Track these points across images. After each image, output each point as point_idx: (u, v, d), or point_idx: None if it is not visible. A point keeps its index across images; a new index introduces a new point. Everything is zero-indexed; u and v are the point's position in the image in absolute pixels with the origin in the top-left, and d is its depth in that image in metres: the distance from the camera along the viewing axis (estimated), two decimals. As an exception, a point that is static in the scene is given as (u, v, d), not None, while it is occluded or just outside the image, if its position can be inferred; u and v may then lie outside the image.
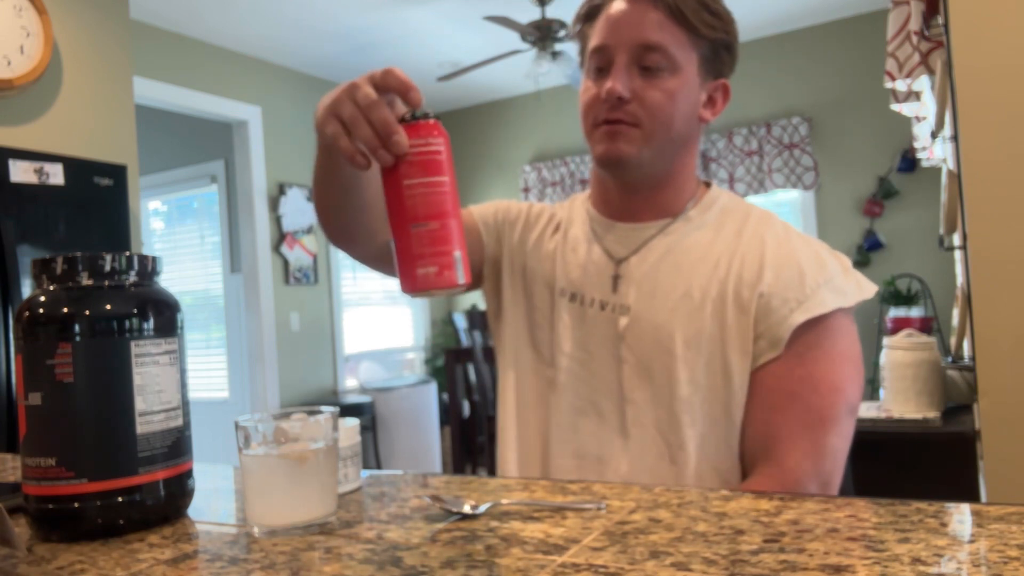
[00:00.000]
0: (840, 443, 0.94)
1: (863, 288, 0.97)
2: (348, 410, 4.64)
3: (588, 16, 1.03)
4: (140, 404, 0.70)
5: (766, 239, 0.99)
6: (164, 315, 0.73)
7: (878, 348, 3.90)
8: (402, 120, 0.73)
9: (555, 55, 4.01)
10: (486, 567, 0.54)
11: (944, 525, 0.57)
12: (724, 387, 0.95)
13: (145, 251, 4.25)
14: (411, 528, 0.65)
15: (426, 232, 0.72)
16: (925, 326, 2.85)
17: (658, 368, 0.96)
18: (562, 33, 3.96)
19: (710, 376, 0.95)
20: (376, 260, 1.05)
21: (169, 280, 5.17)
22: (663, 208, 1.03)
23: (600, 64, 0.99)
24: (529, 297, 1.09)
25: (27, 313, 0.69)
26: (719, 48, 1.00)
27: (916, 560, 0.49)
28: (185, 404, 0.75)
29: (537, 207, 1.16)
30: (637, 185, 1.03)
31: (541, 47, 4.00)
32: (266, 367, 4.48)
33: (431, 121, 0.73)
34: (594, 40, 1.00)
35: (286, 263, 4.66)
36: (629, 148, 0.97)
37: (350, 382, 5.10)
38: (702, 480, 0.95)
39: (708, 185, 1.08)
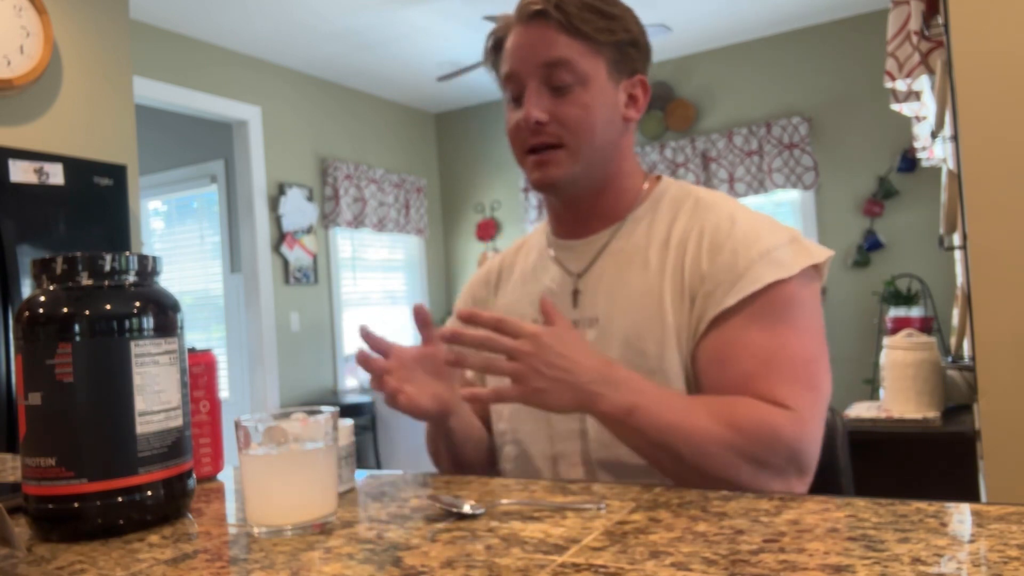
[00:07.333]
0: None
1: (812, 254, 0.93)
2: (348, 410, 4.64)
3: (496, 47, 1.05)
4: (140, 404, 0.70)
5: (706, 224, 0.97)
6: (164, 315, 0.73)
7: (878, 348, 3.90)
8: None
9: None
10: (486, 567, 0.54)
11: (944, 525, 0.57)
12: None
13: (145, 251, 4.24)
14: (411, 528, 0.65)
15: None
16: (925, 326, 2.85)
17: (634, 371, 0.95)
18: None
19: (684, 368, 0.94)
20: None
21: (169, 280, 5.17)
22: (610, 214, 1.04)
23: (514, 92, 1.01)
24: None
25: (27, 313, 0.69)
26: (625, 47, 1.00)
27: (916, 560, 0.49)
28: (185, 404, 0.75)
29: (483, 275, 1.19)
30: (578, 198, 1.04)
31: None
32: (266, 367, 4.48)
33: None
34: (503, 69, 1.02)
35: (286, 263, 4.66)
36: (559, 171, 0.99)
37: (350, 382, 5.10)
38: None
39: (659, 178, 1.07)
